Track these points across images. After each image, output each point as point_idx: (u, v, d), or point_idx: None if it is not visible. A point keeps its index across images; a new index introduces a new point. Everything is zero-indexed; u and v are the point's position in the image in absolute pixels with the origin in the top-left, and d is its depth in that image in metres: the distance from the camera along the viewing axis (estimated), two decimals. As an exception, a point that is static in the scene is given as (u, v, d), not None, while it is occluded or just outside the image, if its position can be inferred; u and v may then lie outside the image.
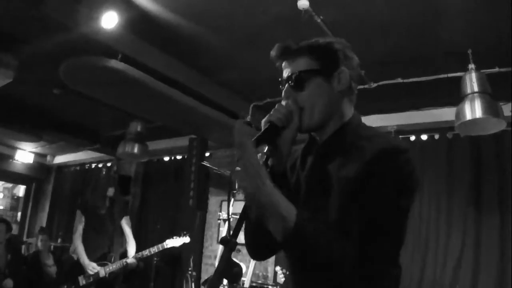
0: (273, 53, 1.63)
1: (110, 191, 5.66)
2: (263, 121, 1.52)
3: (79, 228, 5.50)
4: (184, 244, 5.71)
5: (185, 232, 5.73)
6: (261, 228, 1.45)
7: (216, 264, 4.96)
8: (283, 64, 1.63)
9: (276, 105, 1.55)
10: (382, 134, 1.52)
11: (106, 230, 5.55)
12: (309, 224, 1.34)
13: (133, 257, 5.48)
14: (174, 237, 5.66)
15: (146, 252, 5.57)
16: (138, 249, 5.60)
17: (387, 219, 1.39)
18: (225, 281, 5.01)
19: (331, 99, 1.56)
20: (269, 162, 1.54)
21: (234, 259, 5.64)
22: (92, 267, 5.24)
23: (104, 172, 9.01)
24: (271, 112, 1.52)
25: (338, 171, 1.45)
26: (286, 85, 1.59)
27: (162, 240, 5.63)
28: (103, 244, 5.50)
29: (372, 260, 1.39)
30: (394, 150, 1.42)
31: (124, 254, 5.57)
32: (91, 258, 5.31)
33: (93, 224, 5.53)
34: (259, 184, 1.34)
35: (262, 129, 1.49)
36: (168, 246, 5.59)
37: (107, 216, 5.61)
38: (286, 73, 1.61)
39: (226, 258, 1.31)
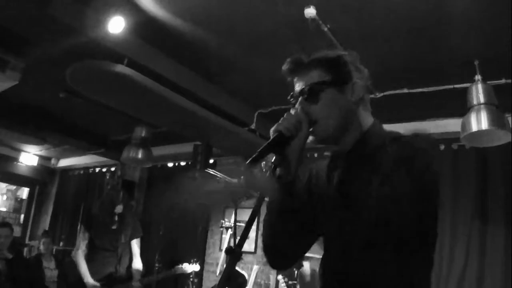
0: (285, 67, 1.64)
1: (119, 208, 5.46)
2: (271, 130, 1.50)
3: (82, 245, 5.28)
4: (190, 273, 5.62)
5: (195, 259, 5.64)
6: (285, 232, 1.45)
7: (219, 273, 4.96)
8: (295, 79, 1.63)
9: (285, 114, 1.53)
10: (404, 137, 1.51)
11: (115, 248, 5.34)
12: None
13: (139, 280, 5.33)
14: (184, 264, 5.57)
15: (153, 277, 5.51)
16: (141, 259, 5.49)
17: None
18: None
19: (346, 110, 1.57)
20: (277, 172, 1.52)
21: (238, 269, 5.62)
22: (94, 287, 5.03)
23: (108, 177, 9.01)
24: (280, 121, 1.51)
25: (367, 181, 1.43)
26: (300, 98, 1.58)
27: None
28: (111, 262, 5.29)
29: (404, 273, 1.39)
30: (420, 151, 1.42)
31: (130, 275, 5.40)
32: (97, 276, 5.11)
33: (101, 242, 5.31)
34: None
35: (270, 138, 1.48)
36: (177, 273, 5.52)
37: (116, 233, 5.40)
38: (298, 86, 1.60)
39: (230, 268, 1.30)
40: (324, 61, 1.59)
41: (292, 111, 1.55)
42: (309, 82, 1.57)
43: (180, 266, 5.49)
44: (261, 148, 1.43)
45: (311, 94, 1.56)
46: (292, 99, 1.62)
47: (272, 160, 1.50)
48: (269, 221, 1.61)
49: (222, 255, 4.51)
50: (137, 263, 5.47)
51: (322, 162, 1.74)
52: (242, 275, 5.02)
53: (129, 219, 5.59)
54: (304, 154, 1.56)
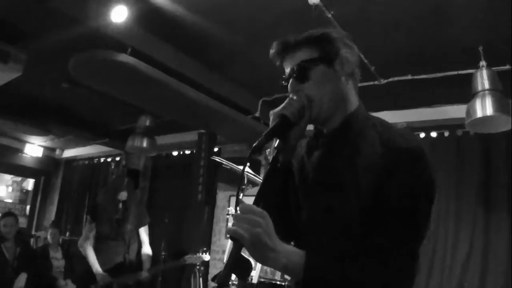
0: (272, 50, 1.62)
1: (123, 195, 5.29)
2: (272, 112, 1.48)
3: (89, 236, 5.17)
4: (203, 261, 5.58)
5: (205, 249, 5.59)
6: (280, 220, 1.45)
7: (225, 259, 4.96)
8: (284, 63, 1.61)
9: (288, 99, 1.51)
10: (394, 129, 1.47)
11: (122, 237, 5.21)
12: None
13: (147, 270, 5.22)
14: (193, 253, 5.53)
15: (161, 267, 5.49)
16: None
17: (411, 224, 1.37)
18: (233, 277, 5.00)
19: (338, 85, 1.53)
20: (280, 157, 1.47)
21: (244, 255, 5.63)
22: (104, 278, 4.92)
23: (113, 167, 9.03)
24: (284, 105, 1.48)
25: (349, 164, 1.43)
26: (291, 79, 1.55)
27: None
28: (119, 251, 5.18)
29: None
30: (414, 154, 1.39)
31: (139, 264, 5.31)
32: (106, 266, 5.01)
33: (106, 230, 5.19)
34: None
35: (275, 123, 1.45)
36: (187, 263, 5.47)
37: (121, 221, 5.25)
38: (287, 68, 1.58)
39: (235, 254, 1.29)
40: (311, 39, 1.55)
41: (295, 97, 1.51)
42: (298, 61, 1.54)
43: (189, 256, 5.45)
44: (265, 132, 1.41)
45: (301, 72, 1.53)
46: (284, 82, 1.60)
47: (275, 145, 1.45)
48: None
49: (228, 242, 4.51)
50: (147, 249, 5.40)
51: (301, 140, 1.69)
52: (248, 261, 5.01)
53: (133, 207, 5.45)
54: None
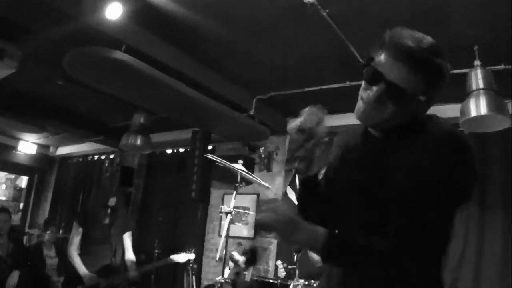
0: (385, 41, 1.47)
1: (112, 201, 5.41)
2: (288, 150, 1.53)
3: (75, 240, 5.25)
4: (189, 260, 5.61)
5: (190, 249, 5.64)
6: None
7: (218, 258, 4.98)
8: (382, 53, 1.45)
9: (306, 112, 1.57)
10: (445, 128, 1.43)
11: (109, 241, 5.32)
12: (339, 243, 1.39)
13: (135, 270, 5.29)
14: (180, 252, 5.57)
15: (149, 266, 5.51)
16: (141, 246, 5.51)
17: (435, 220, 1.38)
18: (227, 274, 5.02)
19: (394, 114, 1.43)
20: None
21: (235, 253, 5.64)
22: (91, 279, 5.01)
23: (107, 165, 9.01)
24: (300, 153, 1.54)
25: (396, 166, 1.41)
26: (371, 76, 1.43)
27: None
28: (106, 255, 5.27)
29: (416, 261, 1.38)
30: (454, 146, 1.38)
31: (125, 267, 5.37)
32: (93, 268, 5.09)
33: (95, 234, 5.30)
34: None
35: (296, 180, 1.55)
36: (173, 261, 5.51)
37: (109, 226, 5.37)
38: (388, 70, 1.40)
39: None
40: (413, 60, 1.39)
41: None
42: (403, 82, 1.38)
43: (175, 255, 5.50)
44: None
45: (395, 94, 1.38)
46: (365, 67, 1.47)
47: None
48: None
49: (222, 240, 4.52)
50: (130, 255, 5.46)
51: (349, 131, 1.70)
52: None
53: (121, 213, 5.61)
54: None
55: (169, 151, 8.18)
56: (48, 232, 6.79)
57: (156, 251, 6.12)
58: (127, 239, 5.54)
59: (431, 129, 1.42)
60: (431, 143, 1.37)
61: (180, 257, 5.50)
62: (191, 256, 5.54)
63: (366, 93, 1.44)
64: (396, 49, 1.41)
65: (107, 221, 5.37)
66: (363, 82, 1.47)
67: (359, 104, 1.47)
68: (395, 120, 1.44)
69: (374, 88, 1.41)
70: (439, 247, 1.46)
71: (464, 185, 1.41)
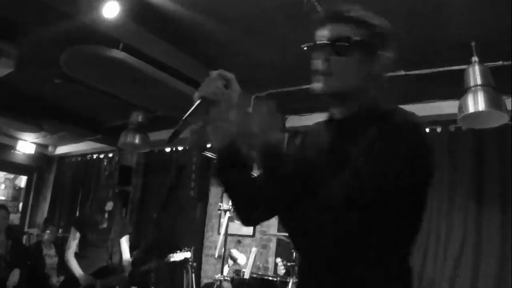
0: (320, 15, 1.60)
1: (109, 206, 5.53)
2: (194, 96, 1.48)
3: (73, 244, 5.39)
4: (185, 258, 5.63)
5: (187, 248, 5.66)
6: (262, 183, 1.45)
7: (217, 256, 4.96)
8: (323, 27, 1.55)
9: (205, 79, 1.53)
10: (402, 112, 1.47)
11: (106, 245, 5.45)
12: None
13: (131, 271, 5.40)
14: (177, 251, 5.59)
15: (145, 267, 5.54)
16: (139, 245, 5.58)
17: (397, 191, 1.33)
18: (226, 272, 5.02)
19: (363, 77, 1.53)
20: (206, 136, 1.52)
21: (235, 251, 5.64)
22: (87, 280, 5.10)
23: (105, 163, 9.00)
24: (201, 87, 1.50)
25: (347, 148, 1.42)
26: (326, 46, 1.51)
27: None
28: (103, 258, 5.40)
29: (380, 244, 1.35)
30: (409, 126, 1.39)
31: (122, 269, 5.50)
32: (90, 270, 5.21)
33: (92, 239, 5.42)
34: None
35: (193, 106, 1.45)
36: (170, 261, 5.53)
37: (106, 231, 5.50)
38: (327, 34, 1.53)
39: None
40: (363, 23, 1.55)
41: (320, 64, 1.52)
42: (342, 33, 1.51)
43: (171, 254, 5.53)
44: (184, 116, 1.43)
45: (340, 46, 1.49)
46: (306, 47, 1.57)
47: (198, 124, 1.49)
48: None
49: (221, 238, 4.52)
50: (126, 257, 5.59)
51: (315, 125, 1.71)
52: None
53: (118, 217, 5.75)
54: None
55: (167, 149, 8.17)
56: (47, 231, 6.80)
57: (155, 250, 6.13)
58: (124, 243, 5.67)
59: (393, 119, 1.45)
60: (392, 130, 1.38)
61: (177, 256, 5.53)
62: (188, 254, 5.56)
63: (327, 63, 1.50)
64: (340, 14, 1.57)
65: (104, 225, 5.49)
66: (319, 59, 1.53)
67: (320, 78, 1.51)
68: (361, 86, 1.53)
69: (336, 55, 1.50)
70: (402, 232, 1.41)
71: (420, 174, 1.39)
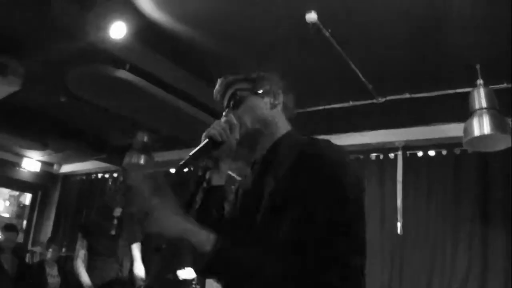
0: (216, 90, 1.81)
1: (117, 211, 5.36)
2: (203, 136, 1.64)
3: (81, 252, 5.17)
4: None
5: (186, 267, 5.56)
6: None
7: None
8: (224, 97, 1.80)
9: (215, 121, 1.67)
10: (311, 141, 1.50)
11: (114, 254, 5.21)
12: (230, 249, 1.36)
13: (141, 286, 5.21)
14: (185, 267, 5.49)
15: (156, 283, 5.47)
16: (145, 261, 5.40)
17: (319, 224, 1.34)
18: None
19: (264, 114, 1.68)
20: (207, 175, 1.71)
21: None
22: None
23: (110, 183, 8.99)
24: (211, 126, 1.65)
25: (268, 185, 1.47)
26: (227, 108, 1.73)
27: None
28: (113, 268, 5.17)
29: (314, 271, 1.32)
30: (315, 152, 1.42)
31: (133, 281, 5.26)
32: (99, 282, 5.01)
33: (101, 247, 5.18)
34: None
35: (203, 143, 1.59)
36: (181, 278, 5.45)
37: (115, 238, 5.26)
38: (226, 100, 1.78)
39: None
40: (247, 77, 1.75)
41: (223, 119, 1.70)
42: (233, 91, 1.74)
43: (183, 270, 5.43)
44: (192, 152, 1.57)
45: (235, 101, 1.72)
46: (224, 114, 1.76)
47: (201, 165, 1.67)
48: None
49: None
50: (138, 269, 5.32)
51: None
52: None
53: (127, 223, 5.44)
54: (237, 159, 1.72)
55: (172, 170, 8.17)
56: (50, 250, 6.77)
57: (160, 264, 6.06)
58: (136, 250, 5.42)
59: (290, 142, 1.59)
60: (291, 155, 1.44)
61: (188, 273, 5.42)
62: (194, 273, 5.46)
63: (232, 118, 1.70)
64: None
65: (113, 232, 5.26)
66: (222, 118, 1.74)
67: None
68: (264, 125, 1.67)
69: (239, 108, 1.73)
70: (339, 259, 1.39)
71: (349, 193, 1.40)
